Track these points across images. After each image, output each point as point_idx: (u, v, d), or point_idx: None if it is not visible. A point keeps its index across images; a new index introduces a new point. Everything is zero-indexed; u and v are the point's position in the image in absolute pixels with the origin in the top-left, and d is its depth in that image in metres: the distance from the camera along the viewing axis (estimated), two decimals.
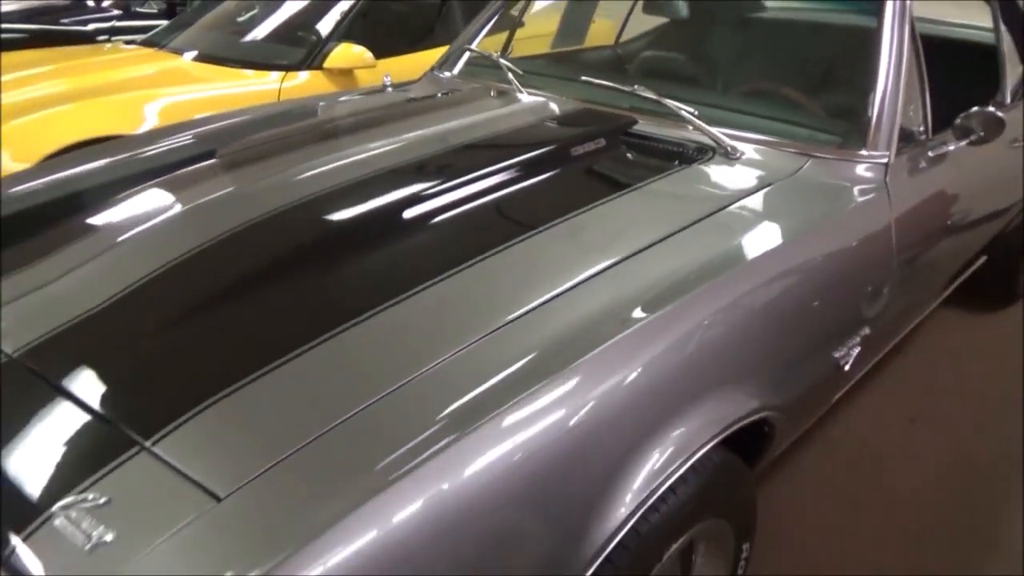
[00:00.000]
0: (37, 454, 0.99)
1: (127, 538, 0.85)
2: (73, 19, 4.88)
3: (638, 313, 1.18)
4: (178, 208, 1.50)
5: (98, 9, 5.01)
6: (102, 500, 0.90)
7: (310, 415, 0.98)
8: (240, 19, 3.91)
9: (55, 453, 0.99)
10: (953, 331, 2.96)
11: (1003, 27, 2.46)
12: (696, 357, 1.21)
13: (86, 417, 1.03)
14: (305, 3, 3.77)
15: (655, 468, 1.12)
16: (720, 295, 1.28)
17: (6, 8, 4.87)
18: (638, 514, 1.10)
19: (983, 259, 2.63)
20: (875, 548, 1.93)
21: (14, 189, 1.71)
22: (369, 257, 1.35)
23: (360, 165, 1.67)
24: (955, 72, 2.44)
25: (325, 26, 3.57)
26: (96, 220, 1.51)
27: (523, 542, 1.01)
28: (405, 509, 0.88)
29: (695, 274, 1.29)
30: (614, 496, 1.08)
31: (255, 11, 3.92)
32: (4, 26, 4.62)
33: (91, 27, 4.83)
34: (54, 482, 0.94)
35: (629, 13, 3.16)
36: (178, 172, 1.70)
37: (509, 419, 0.98)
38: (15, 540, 0.88)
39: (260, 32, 3.71)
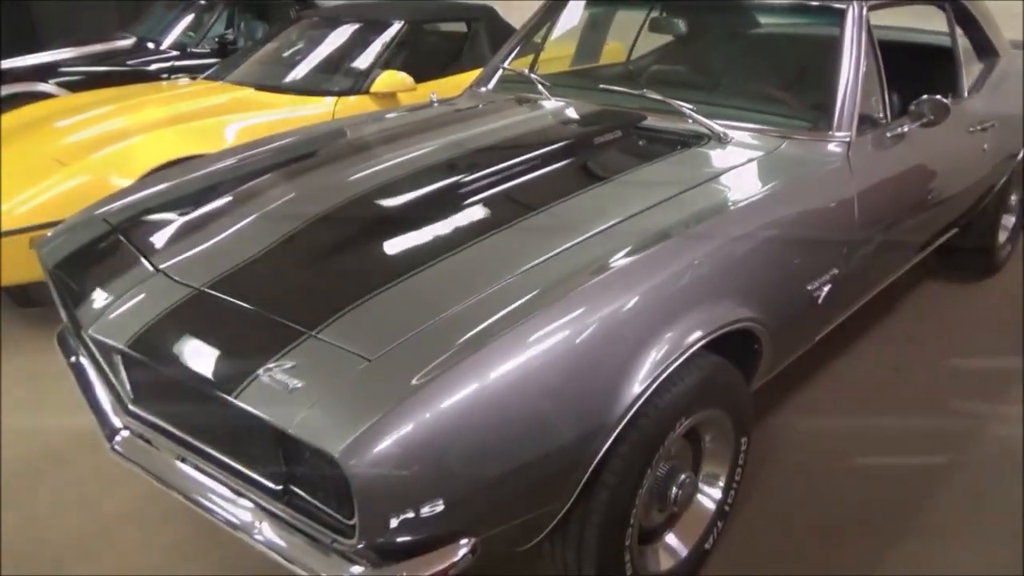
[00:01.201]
0: (239, 344, 1.46)
1: (313, 384, 1.29)
2: (137, 60, 5.44)
3: (639, 249, 1.59)
4: (296, 192, 1.97)
5: (158, 51, 5.56)
6: (289, 365, 1.34)
7: (412, 317, 1.41)
8: (287, 54, 4.40)
9: (252, 343, 1.44)
10: (938, 297, 3.38)
11: (958, 30, 2.89)
12: (688, 282, 1.62)
13: (266, 321, 1.48)
14: (352, 36, 4.27)
15: (657, 359, 1.52)
16: (707, 234, 1.70)
17: (73, 54, 5.44)
18: (650, 390, 1.51)
19: (954, 231, 3.03)
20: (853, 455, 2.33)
21: (141, 193, 2.16)
22: (441, 220, 1.78)
23: (427, 157, 2.13)
24: (924, 72, 2.86)
25: (370, 56, 4.07)
26: (236, 200, 1.97)
27: (560, 415, 1.40)
28: (471, 384, 1.28)
29: (691, 220, 1.71)
30: (630, 379, 1.49)
31: (303, 45, 4.42)
32: (78, 69, 5.20)
33: (154, 67, 5.39)
34: (253, 358, 1.38)
35: (638, 33, 3.62)
36: (288, 167, 2.17)
37: (532, 329, 1.37)
38: (236, 391, 1.33)
39: (314, 63, 4.21)
